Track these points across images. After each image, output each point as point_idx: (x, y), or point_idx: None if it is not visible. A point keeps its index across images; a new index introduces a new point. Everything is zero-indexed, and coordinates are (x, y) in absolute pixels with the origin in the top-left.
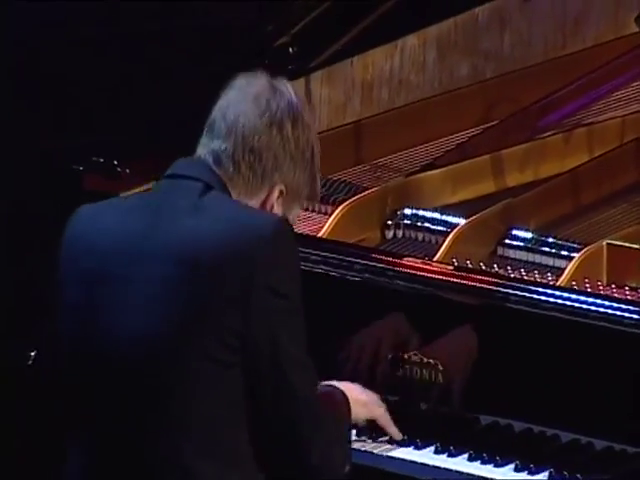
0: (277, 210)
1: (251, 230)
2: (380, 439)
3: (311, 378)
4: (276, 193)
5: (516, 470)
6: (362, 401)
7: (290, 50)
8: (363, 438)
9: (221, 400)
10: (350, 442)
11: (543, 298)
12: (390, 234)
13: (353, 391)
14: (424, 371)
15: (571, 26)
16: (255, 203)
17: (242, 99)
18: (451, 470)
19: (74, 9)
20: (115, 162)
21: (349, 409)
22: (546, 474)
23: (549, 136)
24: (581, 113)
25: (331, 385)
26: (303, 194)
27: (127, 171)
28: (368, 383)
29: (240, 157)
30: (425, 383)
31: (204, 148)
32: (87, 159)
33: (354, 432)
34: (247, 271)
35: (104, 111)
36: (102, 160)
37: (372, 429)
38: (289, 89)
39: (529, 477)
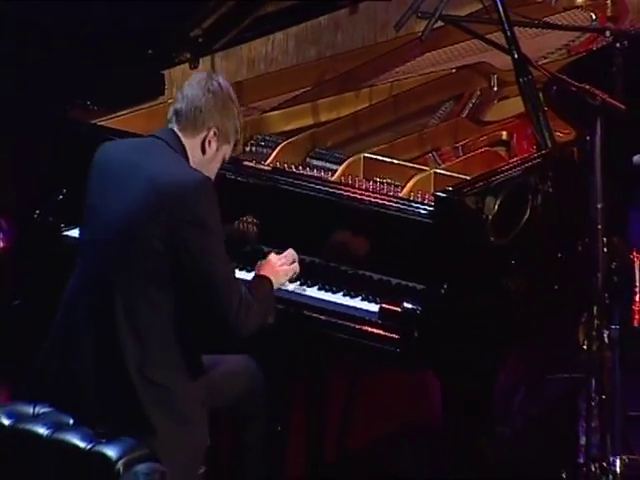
0: (213, 145)
1: (186, 181)
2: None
3: (228, 268)
4: (212, 132)
5: (324, 290)
6: (281, 271)
7: (199, 40)
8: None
9: (159, 280)
10: (272, 304)
11: (316, 187)
12: (247, 149)
13: (273, 267)
14: (250, 227)
15: (380, 29)
16: (199, 140)
17: (190, 83)
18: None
19: None
20: (88, 102)
21: (270, 283)
22: (341, 293)
23: (347, 91)
24: (373, 79)
25: (257, 275)
26: (231, 139)
27: (95, 108)
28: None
29: (188, 112)
30: (251, 233)
31: (170, 112)
32: (71, 100)
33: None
34: (179, 207)
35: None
36: (80, 101)
37: None
38: (219, 76)
39: (330, 294)
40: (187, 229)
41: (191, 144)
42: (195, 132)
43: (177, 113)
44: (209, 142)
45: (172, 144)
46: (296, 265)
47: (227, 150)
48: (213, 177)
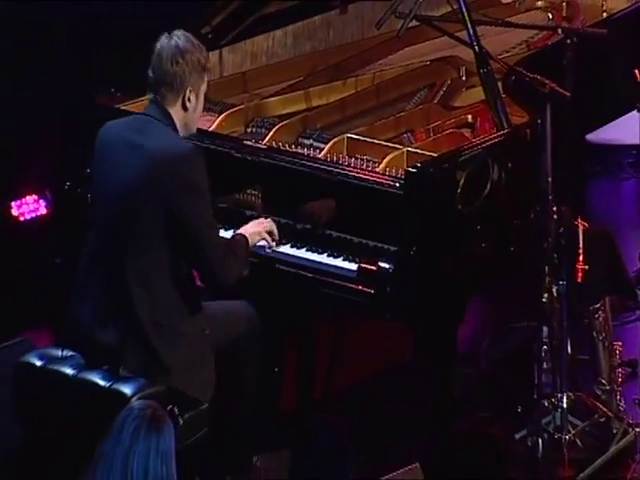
0: (192, 98)
1: (179, 152)
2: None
3: (214, 228)
4: (188, 93)
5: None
6: (255, 231)
7: (209, 35)
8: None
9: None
10: (247, 259)
11: (306, 163)
12: (249, 130)
13: (249, 228)
14: (254, 198)
15: (366, 27)
16: (180, 102)
17: (155, 58)
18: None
19: None
20: (112, 89)
21: (246, 240)
22: (326, 254)
23: (336, 80)
24: (359, 70)
25: (237, 233)
26: (204, 76)
27: (118, 94)
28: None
29: (165, 85)
30: (254, 204)
31: (149, 89)
32: (97, 88)
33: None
34: (176, 175)
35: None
36: (105, 87)
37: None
38: (177, 37)
39: (317, 255)
40: (183, 194)
41: (174, 109)
42: (176, 97)
43: (152, 88)
44: (189, 98)
45: (160, 118)
46: (271, 222)
47: (204, 86)
48: (198, 123)
